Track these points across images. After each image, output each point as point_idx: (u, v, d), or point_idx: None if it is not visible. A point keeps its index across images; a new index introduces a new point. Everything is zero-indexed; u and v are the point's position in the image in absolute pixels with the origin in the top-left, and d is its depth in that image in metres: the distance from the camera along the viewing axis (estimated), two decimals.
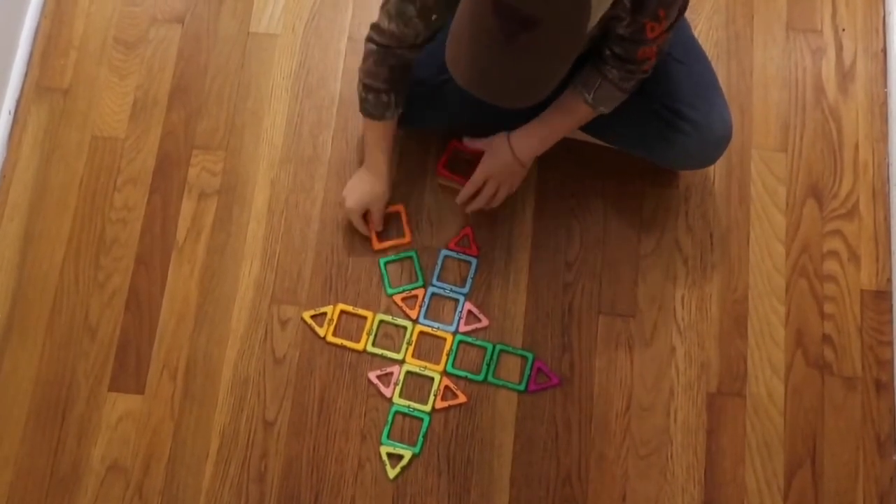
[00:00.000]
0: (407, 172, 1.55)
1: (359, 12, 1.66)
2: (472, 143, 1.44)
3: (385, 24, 1.27)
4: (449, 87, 1.36)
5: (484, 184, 1.42)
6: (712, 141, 1.35)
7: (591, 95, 1.28)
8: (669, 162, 1.44)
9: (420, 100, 1.40)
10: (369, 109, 1.38)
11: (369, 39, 1.32)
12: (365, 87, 1.35)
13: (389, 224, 1.53)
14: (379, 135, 1.43)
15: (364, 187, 1.47)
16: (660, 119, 1.32)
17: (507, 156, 1.39)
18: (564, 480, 1.41)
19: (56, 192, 1.58)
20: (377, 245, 1.51)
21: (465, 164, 1.48)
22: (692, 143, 1.33)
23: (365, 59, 1.33)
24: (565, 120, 1.36)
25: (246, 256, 1.53)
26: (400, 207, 1.53)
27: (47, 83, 1.65)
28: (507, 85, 0.99)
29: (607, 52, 1.23)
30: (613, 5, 1.11)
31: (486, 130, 1.42)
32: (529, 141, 1.38)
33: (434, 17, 1.24)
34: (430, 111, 1.43)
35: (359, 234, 1.52)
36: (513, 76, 0.97)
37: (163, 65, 1.65)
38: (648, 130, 1.35)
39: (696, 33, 1.57)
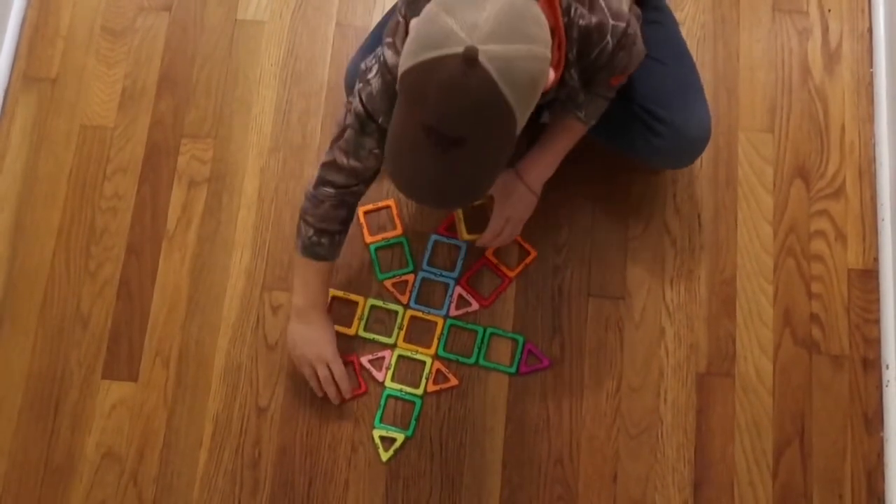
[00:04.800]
0: None
1: None
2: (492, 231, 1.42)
3: (343, 160, 1.23)
4: None
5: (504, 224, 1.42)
6: (688, 143, 1.36)
7: (583, 113, 1.29)
8: (650, 162, 1.46)
9: None
10: (321, 252, 1.31)
11: (322, 183, 1.27)
12: (318, 232, 1.29)
13: (381, 219, 1.53)
14: (326, 275, 1.37)
15: (318, 334, 1.39)
16: (639, 120, 1.33)
17: (521, 191, 1.39)
18: (556, 461, 1.42)
19: (45, 182, 1.58)
20: (369, 238, 1.51)
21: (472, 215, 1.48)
22: (668, 145, 1.34)
23: (317, 205, 1.28)
24: (566, 140, 1.37)
25: (237, 244, 1.53)
26: (391, 202, 1.53)
27: (35, 73, 1.65)
28: (449, 192, 1.01)
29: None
30: (562, 87, 1.15)
31: None
32: (539, 170, 1.39)
33: None
34: None
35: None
36: (453, 184, 0.99)
37: (150, 53, 1.64)
38: (630, 130, 1.36)
39: (682, 17, 1.60)
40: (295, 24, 1.65)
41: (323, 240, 1.30)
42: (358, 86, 1.19)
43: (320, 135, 1.58)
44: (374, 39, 1.40)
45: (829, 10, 1.63)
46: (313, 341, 1.39)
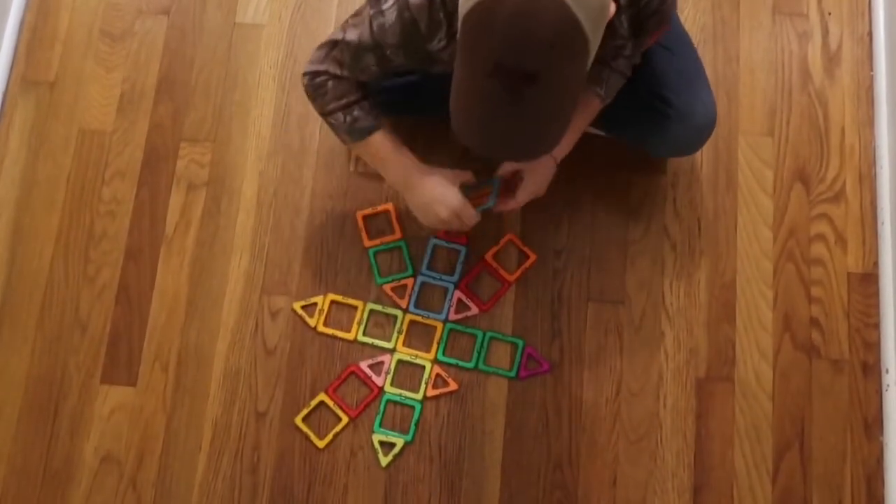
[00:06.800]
0: None
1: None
2: (509, 166, 1.38)
3: (335, 70, 1.21)
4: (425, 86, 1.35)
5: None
6: (695, 128, 1.35)
7: (604, 90, 1.27)
8: (658, 148, 1.45)
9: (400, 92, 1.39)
10: (366, 125, 1.26)
11: (315, 76, 1.23)
12: (344, 109, 1.25)
13: (380, 223, 1.53)
14: (391, 142, 1.30)
15: (436, 189, 1.32)
16: (646, 105, 1.33)
17: (550, 165, 1.37)
18: (555, 466, 1.42)
19: (44, 186, 1.58)
20: (368, 242, 1.51)
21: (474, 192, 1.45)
22: (676, 130, 1.33)
23: (322, 94, 1.24)
24: (586, 116, 1.34)
25: (235, 248, 1.53)
26: (390, 206, 1.53)
27: (33, 76, 1.64)
28: (525, 141, 0.98)
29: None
30: (612, 36, 1.12)
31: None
32: (563, 146, 1.36)
33: (393, 63, 1.20)
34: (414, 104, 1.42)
35: (348, 223, 1.52)
36: (528, 131, 0.96)
37: (149, 57, 1.64)
38: (638, 116, 1.36)
39: (682, 19, 1.59)
40: (294, 27, 1.64)
41: (354, 112, 1.24)
42: (369, 11, 1.15)
43: (319, 138, 1.58)
44: None
45: (830, 14, 1.62)
46: (436, 202, 1.32)
